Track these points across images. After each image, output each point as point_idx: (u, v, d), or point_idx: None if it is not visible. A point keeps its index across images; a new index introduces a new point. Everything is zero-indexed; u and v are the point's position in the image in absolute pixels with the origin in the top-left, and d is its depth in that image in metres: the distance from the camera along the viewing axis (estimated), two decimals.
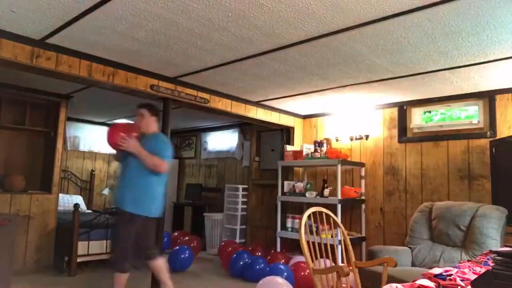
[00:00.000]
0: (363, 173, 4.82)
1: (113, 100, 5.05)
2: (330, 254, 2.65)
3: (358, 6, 2.32)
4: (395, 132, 4.66)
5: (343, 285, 2.38)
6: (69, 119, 5.74)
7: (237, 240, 5.72)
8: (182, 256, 4.66)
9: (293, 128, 5.52)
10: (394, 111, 4.69)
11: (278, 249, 4.84)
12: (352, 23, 2.56)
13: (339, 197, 4.38)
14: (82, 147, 6.73)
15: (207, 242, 6.09)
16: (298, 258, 4.33)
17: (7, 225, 3.52)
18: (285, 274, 3.72)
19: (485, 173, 3.93)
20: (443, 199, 4.07)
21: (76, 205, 4.38)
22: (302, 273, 3.85)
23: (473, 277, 1.32)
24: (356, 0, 2.25)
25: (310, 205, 5.22)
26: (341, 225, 2.69)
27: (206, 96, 4.30)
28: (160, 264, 3.17)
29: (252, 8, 2.39)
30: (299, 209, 5.28)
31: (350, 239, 4.46)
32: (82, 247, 4.39)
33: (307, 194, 4.73)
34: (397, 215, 4.49)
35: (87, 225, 4.47)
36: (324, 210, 2.59)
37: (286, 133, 5.58)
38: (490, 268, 1.16)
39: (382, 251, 3.43)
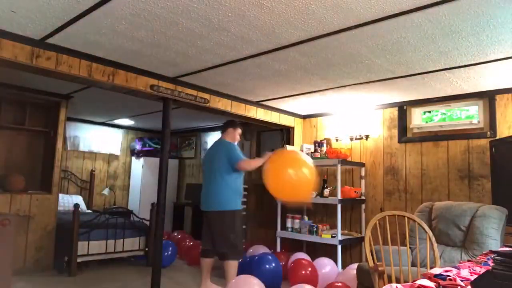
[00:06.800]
0: (363, 173, 4.82)
1: (113, 100, 5.05)
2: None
3: (358, 6, 2.32)
4: (395, 132, 4.66)
5: None
6: (69, 119, 5.74)
7: None
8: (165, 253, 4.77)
9: (293, 128, 5.52)
10: (394, 111, 4.69)
11: (278, 249, 4.84)
12: (352, 23, 2.56)
13: (339, 197, 4.38)
14: (82, 147, 6.73)
15: None
16: (298, 256, 4.32)
17: (7, 225, 3.51)
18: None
19: (485, 173, 3.93)
20: (443, 199, 4.07)
21: (76, 205, 4.38)
22: (304, 272, 3.83)
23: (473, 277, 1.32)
24: (356, 0, 2.25)
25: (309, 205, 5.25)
26: (428, 231, 2.54)
27: (206, 96, 4.30)
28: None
29: (252, 8, 2.39)
30: (299, 209, 5.28)
31: (350, 239, 4.54)
32: (82, 247, 4.39)
33: None
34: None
35: (87, 225, 4.47)
36: (406, 214, 2.50)
37: (286, 133, 5.58)
38: (490, 268, 1.15)
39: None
